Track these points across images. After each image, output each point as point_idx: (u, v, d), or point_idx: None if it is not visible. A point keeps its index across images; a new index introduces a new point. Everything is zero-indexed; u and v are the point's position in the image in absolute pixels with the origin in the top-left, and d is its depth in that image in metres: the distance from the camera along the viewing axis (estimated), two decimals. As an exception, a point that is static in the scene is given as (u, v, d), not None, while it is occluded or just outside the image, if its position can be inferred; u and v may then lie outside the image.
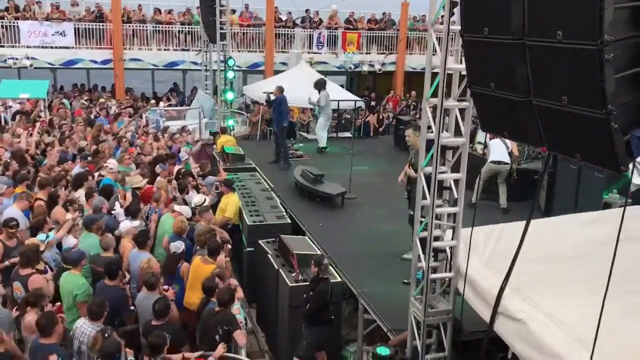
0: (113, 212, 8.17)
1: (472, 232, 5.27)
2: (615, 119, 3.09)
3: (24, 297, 5.95)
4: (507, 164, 10.19)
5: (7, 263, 6.79)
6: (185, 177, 10.06)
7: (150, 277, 6.33)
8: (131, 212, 7.98)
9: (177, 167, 10.95)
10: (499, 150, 10.23)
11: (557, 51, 3.25)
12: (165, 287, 6.72)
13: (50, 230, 7.49)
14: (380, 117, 19.64)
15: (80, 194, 8.56)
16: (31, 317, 5.60)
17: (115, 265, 6.59)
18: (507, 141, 10.01)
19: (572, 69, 3.23)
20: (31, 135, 12.00)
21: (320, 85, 14.44)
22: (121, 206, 8.38)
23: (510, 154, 10.28)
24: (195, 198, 8.95)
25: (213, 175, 10.93)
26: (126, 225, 7.63)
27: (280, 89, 13.31)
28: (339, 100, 16.99)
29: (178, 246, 7.20)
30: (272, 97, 13.33)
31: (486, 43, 3.81)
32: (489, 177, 10.29)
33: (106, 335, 5.27)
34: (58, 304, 6.18)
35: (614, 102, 3.06)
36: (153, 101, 20.26)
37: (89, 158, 10.28)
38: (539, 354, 4.32)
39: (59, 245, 7.43)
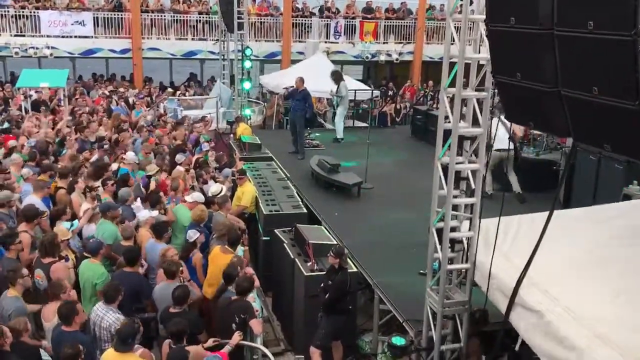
0: (132, 205, 8.23)
1: (498, 222, 5.23)
2: (648, 110, 3.04)
3: (45, 288, 6.04)
4: (508, 150, 10.02)
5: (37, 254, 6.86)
6: (203, 167, 10.12)
7: (171, 265, 6.38)
8: (152, 202, 8.04)
9: (196, 157, 11.02)
10: (499, 137, 10.08)
11: (588, 41, 3.20)
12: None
13: (70, 218, 7.60)
14: (398, 106, 19.54)
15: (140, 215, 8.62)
16: (53, 307, 5.70)
17: (135, 252, 6.66)
18: (508, 125, 9.86)
19: (603, 60, 3.18)
20: (54, 127, 12.16)
21: (338, 76, 14.40)
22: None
23: (511, 137, 10.11)
24: (212, 187, 9.00)
25: (229, 167, 10.99)
26: (145, 214, 7.69)
27: (303, 81, 13.28)
28: (355, 90, 16.94)
29: (191, 235, 7.25)
30: (293, 88, 13.33)
31: (513, 33, 3.77)
32: (495, 165, 10.17)
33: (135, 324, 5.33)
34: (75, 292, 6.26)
35: (647, 93, 3.01)
36: (170, 90, 20.35)
37: (106, 146, 10.39)
38: (557, 346, 4.29)
39: (80, 233, 7.52)
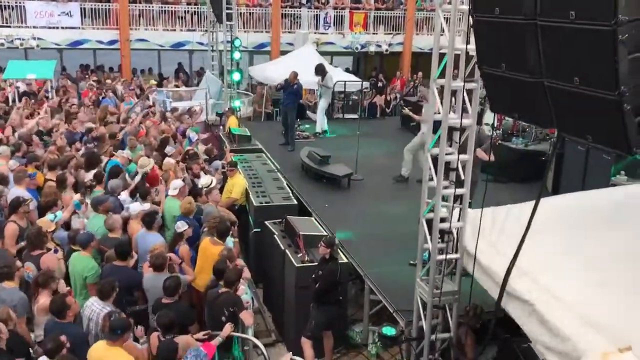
0: (120, 197, 8.18)
1: (481, 213, 5.27)
2: (628, 101, 3.06)
3: (34, 278, 6.01)
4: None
5: (22, 244, 6.82)
6: (193, 159, 10.06)
7: (158, 259, 6.36)
8: (141, 195, 8.00)
9: (187, 149, 10.95)
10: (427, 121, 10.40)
11: (570, 31, 3.21)
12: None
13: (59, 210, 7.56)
14: (387, 98, 19.52)
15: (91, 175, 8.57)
16: (44, 299, 5.67)
17: (126, 246, 6.64)
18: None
19: (584, 50, 3.19)
20: (34, 115, 12.02)
21: (321, 68, 14.45)
22: (125, 187, 8.40)
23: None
24: (202, 180, 8.96)
25: (220, 160, 10.95)
26: (136, 207, 7.66)
27: (296, 75, 13.39)
28: (345, 82, 16.91)
29: (180, 226, 7.24)
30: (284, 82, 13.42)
31: (497, 23, 3.77)
32: (415, 150, 10.48)
33: (112, 317, 5.33)
34: (68, 288, 6.23)
35: (627, 83, 3.03)
36: (154, 81, 20.16)
37: (93, 143, 10.32)
38: (549, 334, 4.34)
39: (68, 226, 7.47)
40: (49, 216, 7.25)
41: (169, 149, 10.15)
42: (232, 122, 13.95)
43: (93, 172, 8.60)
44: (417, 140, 10.62)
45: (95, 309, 5.72)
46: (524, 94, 3.80)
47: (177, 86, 19.96)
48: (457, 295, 5.91)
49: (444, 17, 5.33)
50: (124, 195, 8.16)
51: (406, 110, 12.30)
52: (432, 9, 22.56)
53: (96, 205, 7.45)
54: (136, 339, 5.56)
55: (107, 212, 7.37)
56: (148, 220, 7.21)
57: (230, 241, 7.37)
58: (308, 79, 14.87)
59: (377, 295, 7.08)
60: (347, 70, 22.86)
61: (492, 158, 6.98)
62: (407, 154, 10.82)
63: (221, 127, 14.82)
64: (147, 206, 7.75)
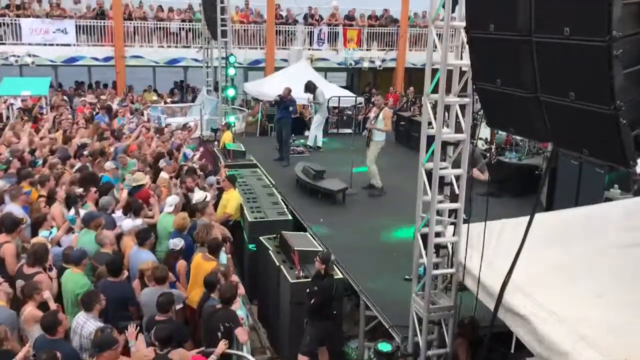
0: (114, 215, 8.14)
1: (485, 226, 5.27)
2: (624, 115, 3.08)
3: (20, 289, 5.96)
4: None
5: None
6: (189, 175, 10.04)
7: (162, 271, 6.36)
8: (134, 211, 7.98)
9: (182, 164, 10.96)
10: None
11: (565, 47, 3.24)
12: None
13: (52, 227, 7.51)
14: (392, 114, 19.56)
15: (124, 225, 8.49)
16: (29, 309, 5.64)
17: (118, 262, 6.60)
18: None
19: (579, 65, 3.21)
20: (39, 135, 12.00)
21: (310, 84, 14.57)
22: (117, 201, 8.37)
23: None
24: (196, 195, 8.94)
25: (214, 175, 10.95)
26: (128, 224, 7.63)
27: (290, 91, 13.63)
28: (339, 97, 16.99)
29: (177, 243, 7.20)
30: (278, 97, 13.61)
31: (492, 39, 3.80)
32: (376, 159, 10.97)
33: (102, 332, 5.29)
34: (57, 304, 6.17)
35: (622, 97, 3.05)
36: (154, 97, 20.22)
37: (85, 152, 10.31)
38: (546, 350, 4.32)
39: (58, 243, 7.43)
40: (44, 233, 7.20)
41: (162, 164, 10.14)
42: (226, 138, 13.98)
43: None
44: (375, 150, 10.95)
45: (80, 321, 5.70)
46: (520, 109, 3.82)
47: (171, 102, 20.00)
48: (452, 310, 5.89)
49: (437, 34, 5.38)
50: (119, 213, 8.12)
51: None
52: (425, 25, 22.78)
53: (88, 221, 7.41)
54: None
55: (97, 229, 7.34)
56: (141, 237, 7.18)
57: (223, 257, 7.34)
58: (302, 95, 14.95)
59: (372, 311, 7.05)
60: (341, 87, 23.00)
61: (487, 176, 7.03)
62: (372, 166, 11.04)
63: (216, 143, 14.84)
64: (139, 222, 7.72)
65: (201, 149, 13.01)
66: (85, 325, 5.64)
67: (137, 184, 9.16)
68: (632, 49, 3.07)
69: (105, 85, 22.68)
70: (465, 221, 5.64)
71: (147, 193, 8.90)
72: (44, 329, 5.31)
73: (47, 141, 11.57)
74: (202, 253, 7.10)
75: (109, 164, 9.75)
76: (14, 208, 7.70)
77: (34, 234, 7.49)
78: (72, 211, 7.84)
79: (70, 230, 7.52)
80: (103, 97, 19.28)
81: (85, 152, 10.47)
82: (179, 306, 6.50)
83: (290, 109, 13.58)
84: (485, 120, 4.49)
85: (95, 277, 6.65)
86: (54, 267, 6.60)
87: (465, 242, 5.57)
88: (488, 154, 10.97)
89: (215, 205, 9.35)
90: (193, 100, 20.19)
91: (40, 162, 10.27)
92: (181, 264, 7.15)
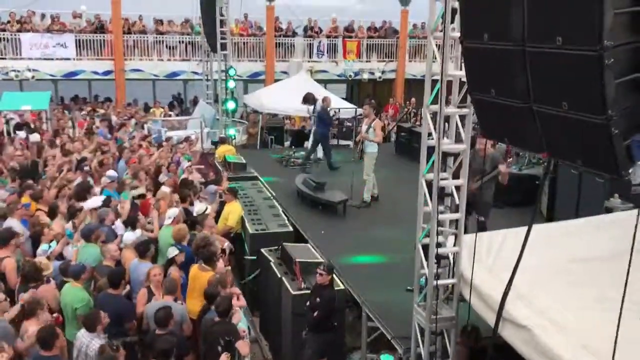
0: (113, 226, 8.14)
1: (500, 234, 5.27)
2: (616, 124, 3.09)
3: (22, 305, 5.94)
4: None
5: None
6: (187, 187, 10.05)
7: (172, 283, 6.39)
8: (130, 223, 7.97)
9: (182, 177, 10.96)
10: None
11: (557, 57, 3.25)
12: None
13: (51, 241, 7.50)
14: (383, 124, 19.60)
15: (86, 204, 8.54)
16: (32, 328, 5.57)
17: (118, 274, 6.59)
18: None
19: (572, 75, 3.23)
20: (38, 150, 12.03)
21: (310, 96, 14.62)
22: (118, 216, 8.37)
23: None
24: (197, 207, 8.94)
25: (216, 184, 10.96)
26: (129, 237, 7.62)
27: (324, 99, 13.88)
28: (339, 108, 17.03)
29: (171, 251, 7.19)
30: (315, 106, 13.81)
31: (486, 49, 3.82)
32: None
33: (113, 347, 5.26)
34: (56, 314, 6.15)
35: (614, 107, 3.07)
36: (156, 110, 20.27)
37: (86, 168, 10.33)
38: (544, 358, 4.30)
39: (60, 257, 7.42)
40: (44, 247, 7.19)
41: (162, 177, 10.15)
42: (223, 150, 13.99)
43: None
44: (370, 162, 10.92)
45: (84, 340, 5.65)
46: (514, 119, 3.82)
47: (170, 115, 20.03)
48: (454, 320, 5.87)
49: (436, 44, 5.41)
50: (118, 223, 8.12)
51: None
52: (424, 36, 22.88)
53: (87, 234, 7.40)
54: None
55: (97, 241, 7.33)
56: (142, 249, 7.17)
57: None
58: (303, 107, 14.99)
59: (374, 322, 7.02)
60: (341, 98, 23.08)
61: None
62: (369, 178, 11.01)
63: (216, 155, 14.86)
64: (138, 233, 7.72)
65: (202, 164, 13.06)
66: (90, 344, 5.58)
67: (138, 194, 9.19)
68: (623, 58, 3.09)
69: (108, 99, 22.72)
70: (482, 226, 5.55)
71: (149, 203, 8.91)
72: (40, 344, 5.27)
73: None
74: (198, 264, 7.09)
75: (104, 179, 9.75)
76: (12, 222, 7.71)
77: (35, 247, 7.47)
78: (70, 225, 7.84)
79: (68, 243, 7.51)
80: (102, 110, 19.35)
81: (86, 168, 10.50)
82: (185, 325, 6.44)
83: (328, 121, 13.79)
84: (480, 131, 4.50)
85: (96, 289, 6.63)
86: (52, 280, 6.59)
87: (472, 253, 5.55)
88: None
89: (217, 216, 9.35)
90: (192, 113, 20.24)
91: (44, 175, 10.31)
92: (174, 274, 7.08)
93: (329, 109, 14.41)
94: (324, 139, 13.82)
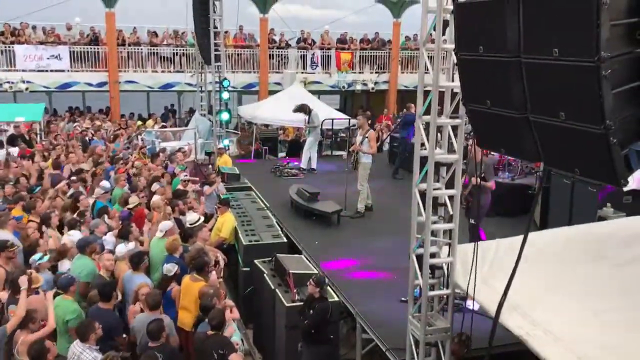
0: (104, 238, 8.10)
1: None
2: (614, 134, 3.09)
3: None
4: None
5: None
6: (181, 197, 10.03)
7: (155, 296, 6.30)
8: (122, 235, 7.94)
9: (178, 186, 10.96)
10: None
11: (554, 68, 3.25)
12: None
13: (45, 254, 7.45)
14: (377, 135, 19.68)
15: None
16: (23, 337, 5.55)
17: (110, 287, 6.53)
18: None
19: (569, 85, 3.23)
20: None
21: (304, 107, 14.63)
22: (110, 228, 8.33)
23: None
24: (189, 216, 8.90)
25: (209, 185, 10.95)
26: (121, 249, 7.58)
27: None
28: (333, 119, 17.09)
29: (170, 269, 7.14)
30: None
31: (481, 61, 3.82)
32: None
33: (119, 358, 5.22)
34: (43, 322, 6.09)
35: (612, 117, 3.07)
36: (151, 122, 20.26)
37: (74, 178, 10.30)
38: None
39: (55, 268, 7.36)
40: (35, 256, 7.15)
41: (155, 187, 10.13)
42: (222, 162, 14.01)
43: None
44: (364, 172, 10.96)
45: (76, 351, 5.60)
46: (510, 129, 3.83)
47: (164, 126, 20.02)
48: (449, 331, 5.84)
49: (428, 56, 5.43)
50: (109, 237, 8.07)
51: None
52: (416, 48, 23.03)
53: (83, 246, 7.36)
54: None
55: (92, 253, 7.28)
56: (135, 261, 7.13)
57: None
58: (296, 117, 15.03)
59: (368, 334, 6.99)
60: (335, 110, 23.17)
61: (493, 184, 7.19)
62: (364, 188, 11.05)
63: (210, 166, 14.85)
64: (131, 246, 7.68)
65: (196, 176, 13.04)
66: (81, 355, 5.53)
67: (132, 206, 9.14)
68: (620, 69, 3.10)
69: (101, 111, 22.66)
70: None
71: (143, 212, 8.88)
72: (32, 358, 5.22)
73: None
74: (190, 274, 7.05)
75: (97, 190, 9.72)
76: (3, 234, 7.66)
77: (27, 259, 7.42)
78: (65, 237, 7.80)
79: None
80: (97, 122, 19.32)
81: (74, 178, 10.46)
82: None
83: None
84: (476, 141, 4.51)
85: (87, 302, 6.57)
86: (41, 292, 6.53)
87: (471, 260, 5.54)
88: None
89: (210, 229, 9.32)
90: (187, 124, 20.23)
91: (38, 189, 10.26)
92: (176, 289, 7.09)
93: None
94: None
